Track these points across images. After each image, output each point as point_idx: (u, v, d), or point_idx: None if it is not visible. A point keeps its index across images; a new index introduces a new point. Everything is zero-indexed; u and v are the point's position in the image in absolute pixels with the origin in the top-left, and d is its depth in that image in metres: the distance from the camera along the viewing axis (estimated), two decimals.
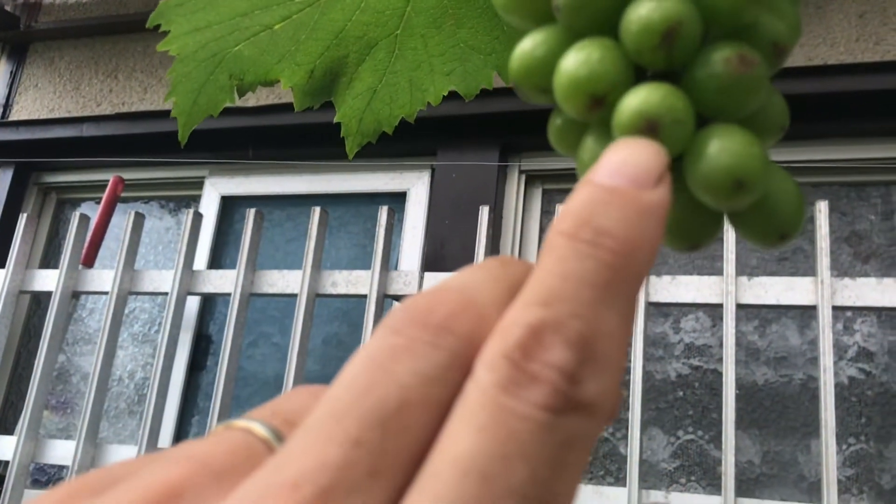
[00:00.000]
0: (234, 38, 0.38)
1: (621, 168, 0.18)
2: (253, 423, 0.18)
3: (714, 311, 1.65)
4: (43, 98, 2.91)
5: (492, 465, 0.15)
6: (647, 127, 0.20)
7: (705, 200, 0.21)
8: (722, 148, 0.20)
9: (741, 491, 1.84)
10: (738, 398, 1.91)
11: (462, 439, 0.15)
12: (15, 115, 2.93)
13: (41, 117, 2.84)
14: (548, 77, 0.22)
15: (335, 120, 0.46)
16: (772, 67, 0.22)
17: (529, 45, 0.22)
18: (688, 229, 0.22)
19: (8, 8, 3.07)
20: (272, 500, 0.14)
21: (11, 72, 3.02)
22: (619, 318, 0.16)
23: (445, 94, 0.49)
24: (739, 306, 1.58)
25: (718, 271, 1.62)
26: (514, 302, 0.17)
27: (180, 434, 2.35)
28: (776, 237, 0.22)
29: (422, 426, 0.16)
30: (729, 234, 1.61)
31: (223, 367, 1.84)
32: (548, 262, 0.17)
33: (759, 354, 1.96)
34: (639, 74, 0.22)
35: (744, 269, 1.96)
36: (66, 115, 2.81)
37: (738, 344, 1.92)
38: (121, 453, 1.91)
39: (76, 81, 2.89)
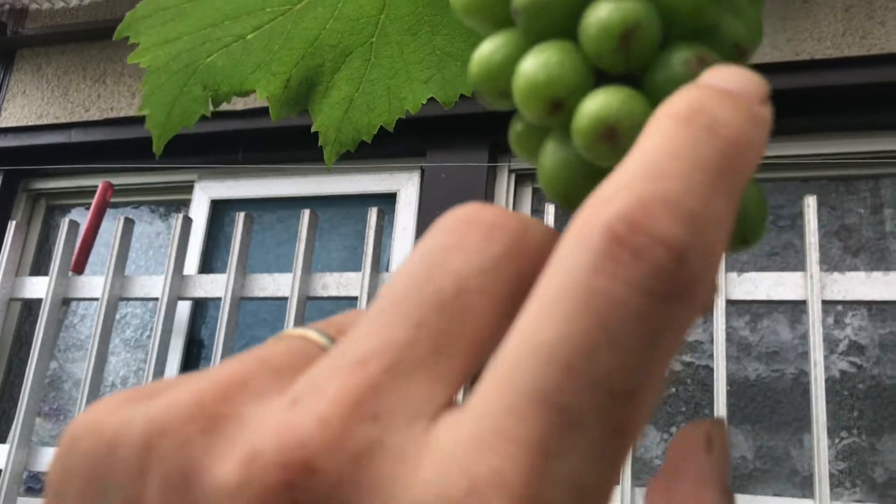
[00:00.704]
0: (205, 49, 0.38)
1: (734, 78, 0.18)
2: (308, 331, 0.18)
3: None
4: (31, 104, 2.90)
5: (577, 355, 0.14)
6: (606, 133, 0.20)
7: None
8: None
9: (734, 487, 1.84)
10: (730, 393, 1.91)
11: (544, 325, 0.14)
12: (3, 122, 2.91)
13: (29, 124, 2.83)
14: (507, 81, 0.22)
15: (313, 129, 0.46)
16: None
17: (488, 49, 0.22)
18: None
19: None
20: (341, 377, 0.14)
21: None
22: (726, 209, 0.16)
23: (424, 101, 0.49)
24: (729, 302, 1.59)
25: None
26: (607, 178, 0.16)
27: None
28: (738, 242, 0.22)
29: (482, 312, 0.15)
30: None
31: None
32: (653, 141, 0.16)
33: (751, 349, 1.96)
34: (599, 78, 0.22)
35: (734, 264, 1.96)
36: (55, 121, 2.80)
37: (729, 339, 1.93)
38: None
39: (64, 87, 2.88)
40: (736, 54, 0.22)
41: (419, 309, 0.15)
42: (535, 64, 0.21)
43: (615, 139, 0.20)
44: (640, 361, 0.14)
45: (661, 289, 0.14)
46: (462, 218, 0.17)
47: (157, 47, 0.36)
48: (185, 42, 0.36)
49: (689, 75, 0.20)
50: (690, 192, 0.15)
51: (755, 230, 0.22)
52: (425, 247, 0.16)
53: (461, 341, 0.15)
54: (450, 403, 0.15)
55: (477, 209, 0.17)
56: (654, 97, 0.21)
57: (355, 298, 1.82)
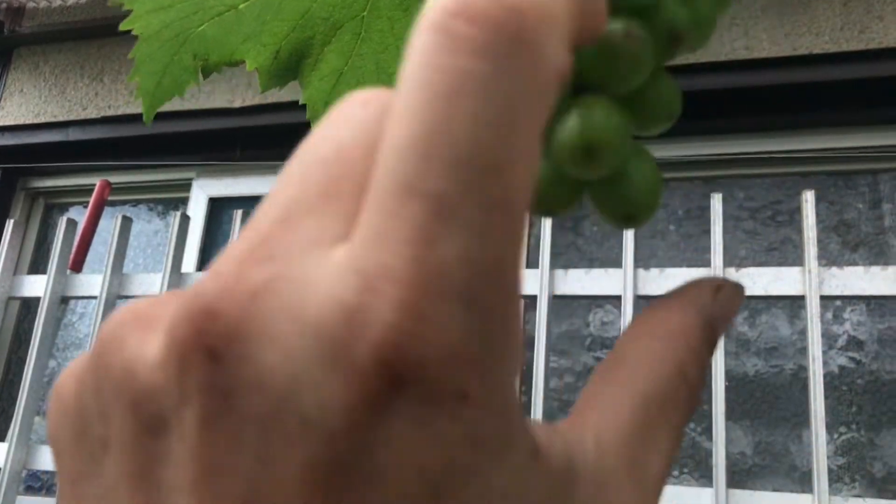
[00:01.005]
0: (198, 18, 0.38)
1: None
2: None
3: None
4: (28, 103, 2.90)
5: (433, 139, 0.14)
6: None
7: (562, 166, 0.21)
8: (580, 114, 0.20)
9: (733, 482, 1.84)
10: (729, 389, 1.91)
11: (400, 122, 0.14)
12: (1, 121, 2.91)
13: (27, 122, 2.83)
14: None
15: (301, 101, 0.46)
16: (664, 53, 0.23)
17: None
18: (547, 197, 0.22)
19: None
20: (238, 242, 0.15)
21: None
22: None
23: None
24: None
25: (707, 263, 1.62)
26: None
27: None
28: (622, 217, 0.22)
29: (362, 157, 0.16)
30: (716, 227, 1.61)
31: None
32: None
33: (750, 345, 1.96)
34: None
35: (732, 260, 1.96)
36: (52, 119, 2.80)
37: (727, 335, 1.92)
38: None
39: (62, 85, 2.88)
40: (670, 39, 0.23)
41: (303, 171, 0.16)
42: None
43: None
44: (499, 130, 0.14)
45: (501, 46, 0.14)
46: (339, 105, 0.17)
47: (149, 14, 0.36)
48: (178, 10, 0.36)
49: (609, 41, 0.21)
50: None
51: (642, 206, 0.22)
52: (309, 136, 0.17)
53: (346, 183, 0.15)
54: (347, 237, 0.15)
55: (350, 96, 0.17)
56: (576, 61, 0.22)
57: None
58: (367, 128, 0.16)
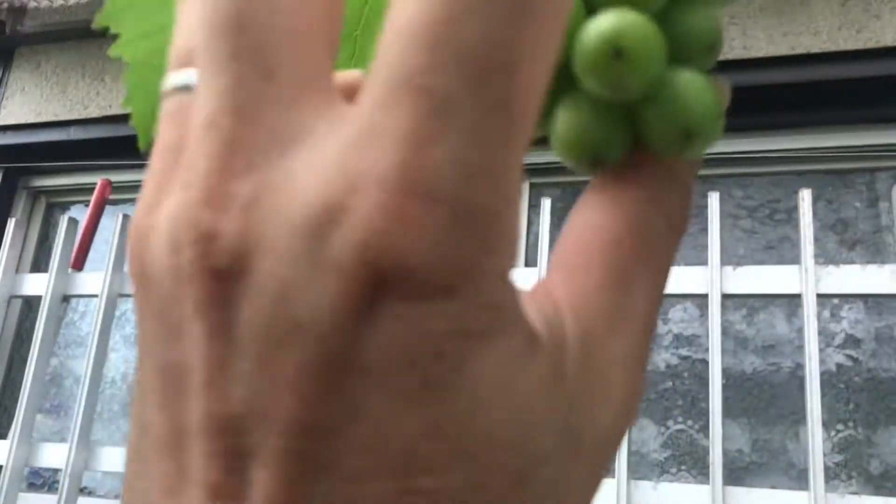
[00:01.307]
0: None
1: None
2: (189, 78, 0.18)
3: (702, 300, 1.66)
4: (30, 102, 2.91)
5: (438, 30, 0.13)
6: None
7: (589, 86, 0.19)
8: (604, 15, 0.19)
9: (731, 479, 1.85)
10: (727, 387, 1.92)
11: (399, 11, 0.14)
12: (2, 120, 2.92)
13: (28, 121, 2.83)
14: None
15: None
16: None
17: None
18: (591, 138, 0.20)
19: None
20: (203, 148, 0.15)
21: None
22: None
23: None
24: (725, 296, 1.60)
25: (705, 261, 1.63)
26: None
27: None
28: (680, 136, 0.19)
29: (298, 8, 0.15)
30: (713, 224, 1.62)
31: None
32: None
33: (748, 343, 1.97)
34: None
35: (731, 258, 1.97)
36: (54, 118, 2.80)
37: (725, 333, 1.93)
38: (114, 455, 1.92)
39: (63, 84, 2.89)
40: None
41: (226, 43, 0.15)
42: None
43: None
44: (512, 24, 0.13)
45: None
46: None
47: (138, 39, 0.36)
48: (166, 35, 0.37)
49: None
50: None
51: (700, 116, 0.19)
52: None
53: (289, 45, 0.15)
54: (328, 95, 0.15)
55: None
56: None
57: None
58: None
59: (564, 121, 0.21)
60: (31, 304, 2.56)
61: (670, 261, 0.19)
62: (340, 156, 0.14)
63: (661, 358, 2.01)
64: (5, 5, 3.02)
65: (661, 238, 0.19)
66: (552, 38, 0.14)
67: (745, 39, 2.07)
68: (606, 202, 0.18)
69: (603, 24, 0.18)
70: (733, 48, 2.06)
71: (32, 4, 3.00)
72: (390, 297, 0.13)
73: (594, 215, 0.18)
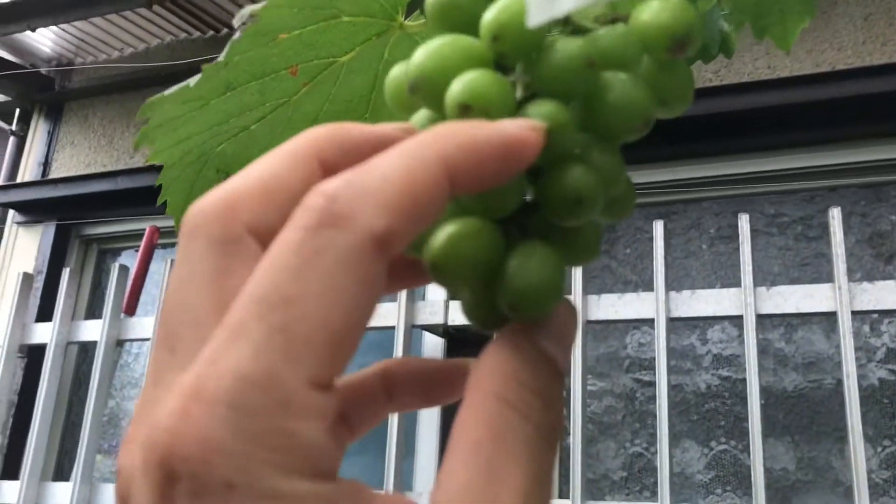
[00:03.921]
0: (216, 141, 0.43)
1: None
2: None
3: (739, 320, 1.67)
4: (79, 154, 3.03)
5: (253, 287, 0.18)
6: (461, 110, 0.23)
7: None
8: (435, 239, 0.23)
9: (778, 499, 1.85)
10: (769, 406, 1.92)
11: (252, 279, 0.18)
12: (54, 173, 3.05)
13: (78, 173, 2.95)
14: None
15: None
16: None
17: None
18: (473, 314, 0.25)
19: (43, 71, 3.21)
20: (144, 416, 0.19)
21: (49, 131, 3.15)
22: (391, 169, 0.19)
23: None
24: (759, 317, 1.61)
25: (739, 282, 1.64)
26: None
27: None
28: (506, 307, 0.23)
29: (198, 302, 0.20)
30: (744, 247, 1.63)
31: None
32: None
33: (787, 361, 1.97)
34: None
35: (766, 277, 1.97)
36: (102, 169, 2.92)
37: (764, 352, 1.94)
38: None
39: (109, 136, 3.01)
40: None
41: (160, 328, 0.20)
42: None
43: (468, 113, 0.23)
44: (292, 275, 0.18)
45: (312, 221, 0.18)
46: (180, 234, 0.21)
47: (171, 147, 0.42)
48: (196, 139, 0.42)
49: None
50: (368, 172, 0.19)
51: (523, 299, 0.23)
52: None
53: (188, 335, 0.19)
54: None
55: (187, 217, 0.21)
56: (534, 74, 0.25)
57: (393, 328, 1.87)
58: (200, 271, 0.20)
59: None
60: (87, 349, 2.66)
61: (546, 458, 0.20)
62: (178, 382, 0.18)
63: (702, 379, 2.01)
64: (54, 63, 3.16)
65: (527, 442, 0.20)
66: (340, 280, 0.18)
67: (770, 59, 2.08)
68: (473, 397, 0.21)
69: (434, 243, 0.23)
70: (758, 69, 2.08)
71: (79, 60, 3.14)
72: (182, 491, 0.16)
73: (464, 410, 0.21)
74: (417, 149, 0.20)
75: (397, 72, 0.29)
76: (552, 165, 0.24)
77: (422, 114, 0.27)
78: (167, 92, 0.38)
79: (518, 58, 0.25)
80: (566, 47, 0.25)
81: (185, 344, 0.19)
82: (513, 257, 0.23)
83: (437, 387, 0.26)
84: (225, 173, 0.44)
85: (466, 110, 0.23)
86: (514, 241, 0.24)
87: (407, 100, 0.28)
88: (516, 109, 0.24)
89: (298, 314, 0.17)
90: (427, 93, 0.25)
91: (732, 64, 2.10)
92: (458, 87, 0.24)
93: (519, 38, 0.24)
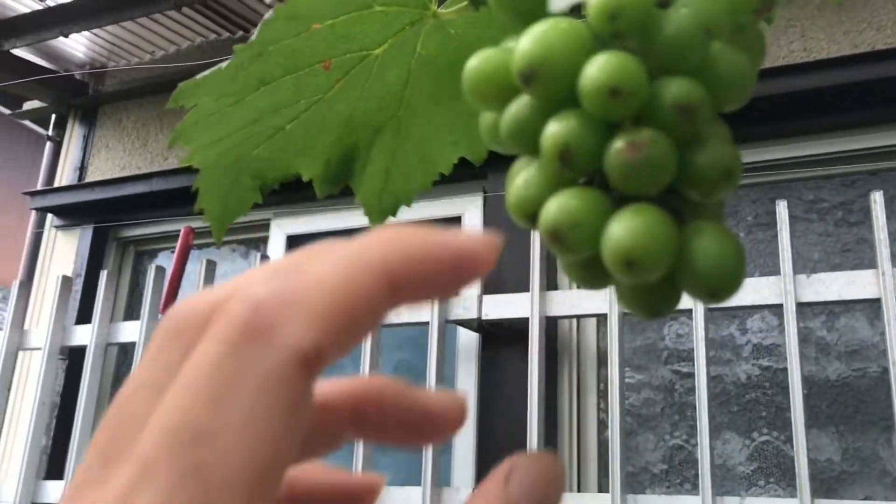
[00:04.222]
0: (250, 144, 0.43)
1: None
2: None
3: (779, 309, 1.64)
4: (114, 158, 3.07)
5: (163, 413, 0.16)
6: (551, 236, 0.23)
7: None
8: (618, 227, 0.22)
9: (823, 490, 1.81)
10: (812, 396, 1.88)
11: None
12: (90, 177, 3.09)
13: (114, 176, 2.99)
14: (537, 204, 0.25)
15: (356, 201, 0.51)
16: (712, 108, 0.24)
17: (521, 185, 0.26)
18: (645, 302, 0.24)
19: (77, 76, 3.25)
20: None
21: (84, 135, 3.19)
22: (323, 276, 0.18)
23: (455, 161, 0.53)
24: (800, 305, 1.58)
25: (778, 269, 1.61)
26: None
27: None
28: (706, 295, 0.23)
29: (145, 411, 0.17)
30: (783, 234, 1.60)
31: None
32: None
33: (830, 349, 1.93)
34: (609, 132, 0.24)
35: (806, 264, 1.94)
36: (137, 171, 2.95)
37: (806, 340, 1.90)
38: None
39: (143, 139, 3.04)
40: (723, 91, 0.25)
41: (100, 433, 0.18)
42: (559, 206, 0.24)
43: (559, 243, 0.23)
44: (209, 403, 0.16)
45: (233, 334, 0.16)
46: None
47: (206, 148, 0.41)
48: (231, 140, 0.41)
49: (624, 162, 0.23)
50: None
51: (720, 284, 0.23)
52: None
53: (128, 442, 0.17)
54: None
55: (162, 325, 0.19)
56: (609, 182, 0.24)
57: (426, 323, 1.87)
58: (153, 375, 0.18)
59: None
60: (126, 350, 2.69)
61: None
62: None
63: (742, 369, 1.98)
64: (88, 67, 3.20)
65: None
66: (262, 408, 0.16)
67: (806, 41, 2.04)
68: None
69: (616, 239, 0.22)
70: (793, 52, 2.04)
71: (112, 64, 3.18)
72: None
73: None
74: (359, 252, 0.18)
75: (481, 61, 0.27)
76: (691, 143, 0.24)
77: (523, 102, 0.26)
78: (199, 77, 0.38)
79: (632, 35, 0.24)
80: (680, 19, 0.24)
81: (119, 461, 0.17)
82: (694, 240, 0.23)
83: (422, 427, 0.22)
84: (261, 179, 0.44)
85: (615, 95, 0.23)
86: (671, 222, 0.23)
87: (499, 90, 0.26)
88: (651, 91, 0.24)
89: (216, 452, 0.15)
90: (547, 80, 0.24)
91: (767, 48, 2.05)
92: (598, 71, 0.23)
93: (636, 14, 0.24)
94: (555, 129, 0.24)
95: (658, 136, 0.23)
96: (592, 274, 0.25)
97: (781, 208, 1.63)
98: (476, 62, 0.27)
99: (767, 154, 2.05)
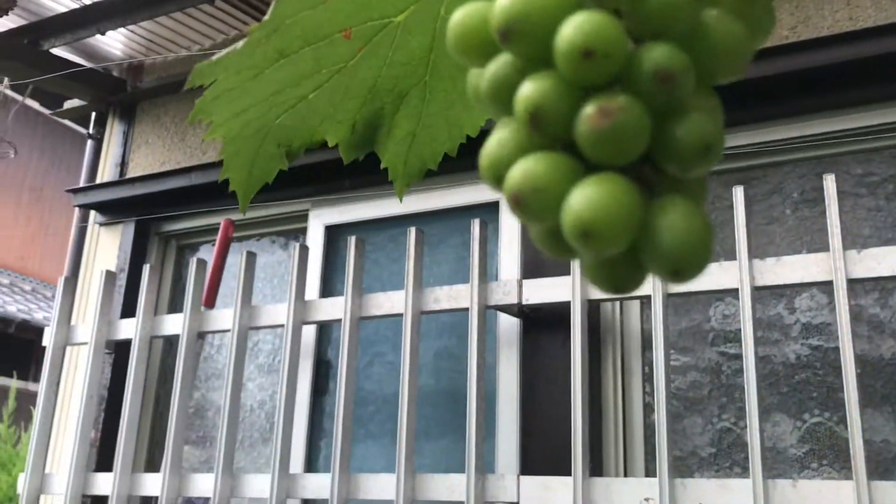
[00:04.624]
0: (273, 113, 0.42)
1: None
2: None
3: (828, 286, 1.59)
4: (154, 153, 3.10)
5: None
6: (513, 200, 0.22)
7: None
8: (578, 196, 0.21)
9: (879, 472, 1.76)
10: (865, 375, 1.83)
11: None
12: (131, 173, 3.13)
13: (154, 171, 3.02)
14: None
15: (381, 166, 0.49)
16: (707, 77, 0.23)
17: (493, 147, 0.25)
18: (607, 277, 0.23)
19: (115, 73, 3.29)
20: None
21: (124, 132, 3.23)
22: None
23: (483, 125, 0.51)
24: (851, 281, 1.53)
25: (827, 246, 1.56)
26: None
27: (311, 459, 2.45)
28: (668, 274, 0.22)
29: None
30: (831, 209, 1.55)
31: (341, 390, 1.91)
32: None
33: (884, 327, 1.87)
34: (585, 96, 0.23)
35: (855, 240, 1.88)
36: (176, 166, 2.98)
37: (858, 318, 1.84)
38: (256, 483, 2.01)
39: (182, 133, 3.07)
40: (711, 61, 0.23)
41: None
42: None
43: (521, 205, 0.23)
44: None
45: None
46: None
47: (229, 121, 0.40)
48: (254, 111, 0.40)
49: (592, 129, 0.22)
50: None
51: (683, 261, 0.22)
52: None
53: None
54: None
55: None
56: (579, 151, 0.23)
57: (466, 309, 1.85)
58: None
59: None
60: (171, 342, 2.72)
61: None
62: None
63: (791, 349, 1.93)
64: (125, 65, 3.24)
65: None
66: None
67: (851, 10, 1.97)
68: None
69: (574, 209, 0.21)
70: (838, 21, 1.97)
71: (149, 61, 3.21)
72: None
73: None
74: None
75: (465, 16, 0.27)
76: (670, 113, 0.22)
77: (503, 60, 0.25)
78: (215, 58, 0.37)
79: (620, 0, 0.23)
80: None
81: None
82: (660, 215, 0.22)
83: None
84: (286, 146, 0.42)
85: (588, 55, 0.22)
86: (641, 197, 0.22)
87: (482, 47, 0.25)
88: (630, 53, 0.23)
89: None
90: (524, 38, 0.23)
91: (810, 18, 1.99)
92: (573, 31, 0.22)
93: None
94: (527, 90, 0.23)
95: (632, 103, 0.22)
96: (558, 244, 0.24)
97: (829, 183, 1.58)
98: (459, 16, 0.26)
99: (812, 128, 1.99)
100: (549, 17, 0.23)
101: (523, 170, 0.22)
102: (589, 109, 0.22)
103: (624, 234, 0.21)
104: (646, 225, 0.22)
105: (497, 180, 0.24)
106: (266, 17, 0.40)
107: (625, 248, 0.22)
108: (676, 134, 0.22)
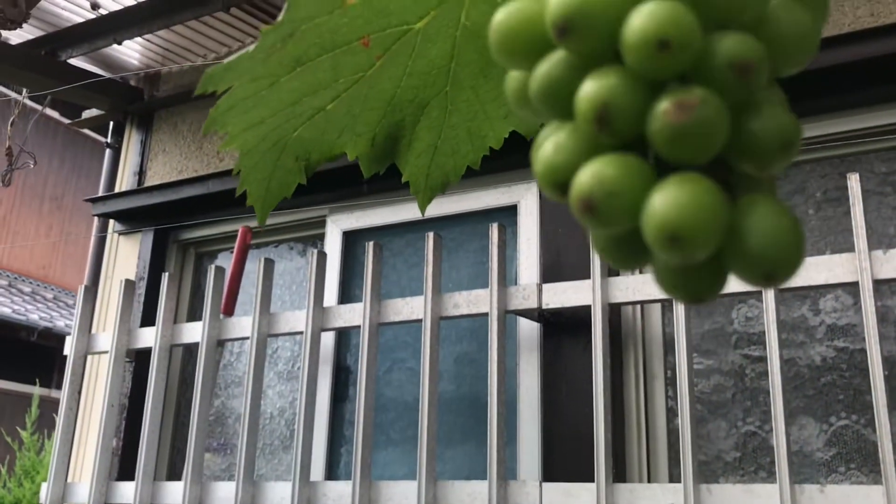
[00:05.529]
0: (291, 125, 0.41)
1: None
2: None
3: (854, 287, 1.56)
4: (171, 161, 3.11)
5: None
6: (583, 206, 0.21)
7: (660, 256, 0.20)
8: (663, 198, 0.20)
9: None
10: (893, 377, 1.80)
11: None
12: (149, 181, 3.14)
13: (171, 180, 3.03)
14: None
15: (403, 180, 0.48)
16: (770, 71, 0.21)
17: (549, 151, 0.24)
18: (687, 285, 0.22)
19: (132, 83, 3.31)
20: None
21: (142, 141, 3.24)
22: None
23: (506, 136, 0.50)
24: (877, 282, 1.50)
25: (852, 247, 1.54)
26: None
27: (331, 466, 2.44)
28: (760, 278, 0.21)
29: None
30: (856, 208, 1.52)
31: (361, 397, 1.90)
32: None
33: None
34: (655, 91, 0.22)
35: (881, 240, 1.85)
36: (193, 174, 2.99)
37: (884, 320, 1.81)
38: (277, 491, 2.01)
39: (199, 142, 3.07)
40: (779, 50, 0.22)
41: None
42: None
43: (592, 212, 0.21)
44: None
45: None
46: None
47: (244, 132, 0.39)
48: (270, 123, 0.39)
49: (669, 124, 0.20)
50: None
51: (779, 263, 0.21)
52: None
53: None
54: None
55: None
56: (653, 149, 0.21)
57: (486, 314, 1.84)
58: None
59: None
60: (191, 350, 2.73)
61: None
62: None
63: (816, 351, 1.90)
64: (142, 74, 3.25)
65: None
66: None
67: (873, 6, 1.95)
68: None
69: (660, 212, 0.20)
70: (859, 17, 1.95)
71: (165, 69, 3.22)
72: None
73: None
74: None
75: (508, 15, 0.25)
76: (746, 107, 0.21)
77: (556, 59, 0.23)
78: (226, 61, 0.36)
79: None
80: None
81: None
82: (748, 216, 0.21)
83: None
84: (305, 160, 0.41)
85: (664, 47, 0.20)
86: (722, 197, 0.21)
87: (530, 46, 0.24)
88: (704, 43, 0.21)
89: None
90: (586, 32, 0.22)
91: (831, 15, 1.96)
92: (645, 21, 0.20)
93: None
94: (592, 88, 0.21)
95: (711, 96, 0.21)
96: (629, 251, 0.22)
97: (853, 182, 1.55)
98: (504, 15, 0.25)
99: (835, 126, 1.96)
100: (613, 9, 0.21)
101: (594, 173, 0.21)
102: (665, 105, 0.20)
103: (714, 237, 0.20)
104: (732, 227, 0.21)
105: (558, 187, 0.22)
106: (279, 19, 0.39)
107: (713, 252, 0.21)
108: (754, 129, 0.21)
